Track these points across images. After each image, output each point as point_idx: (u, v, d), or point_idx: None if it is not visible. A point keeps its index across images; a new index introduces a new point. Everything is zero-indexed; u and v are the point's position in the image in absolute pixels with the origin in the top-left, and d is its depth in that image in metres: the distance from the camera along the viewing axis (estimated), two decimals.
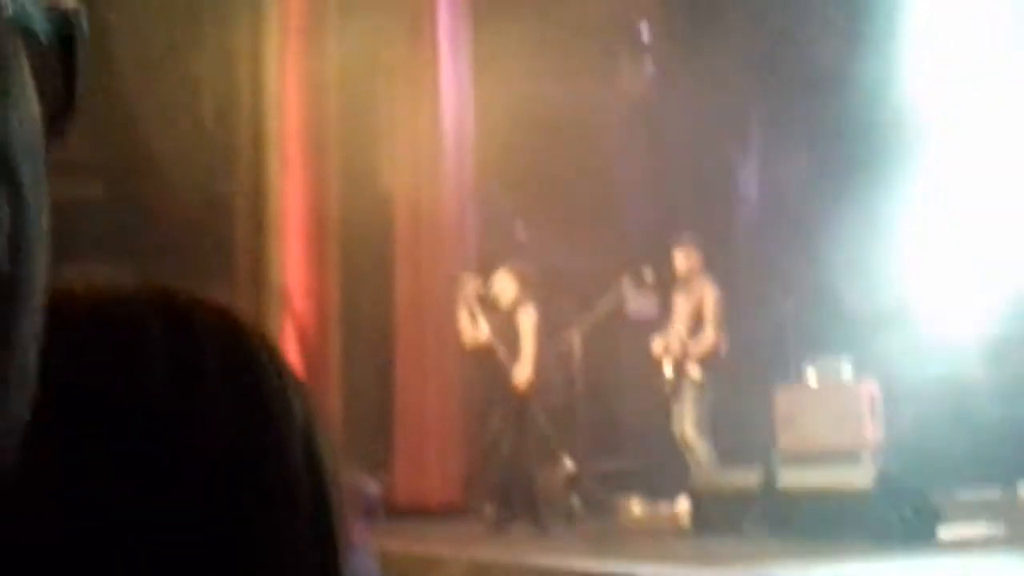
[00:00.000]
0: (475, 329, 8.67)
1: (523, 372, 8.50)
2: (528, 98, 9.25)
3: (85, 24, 0.51)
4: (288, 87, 9.85)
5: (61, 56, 0.51)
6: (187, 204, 9.87)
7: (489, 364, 8.83)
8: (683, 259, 8.77)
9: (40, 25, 0.49)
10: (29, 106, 0.46)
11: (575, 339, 9.25)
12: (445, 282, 9.73)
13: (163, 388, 0.64)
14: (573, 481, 9.11)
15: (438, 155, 10.01)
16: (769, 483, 7.89)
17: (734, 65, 10.07)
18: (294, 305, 9.87)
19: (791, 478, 7.88)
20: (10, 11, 0.46)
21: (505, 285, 8.65)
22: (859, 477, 7.62)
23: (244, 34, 9.86)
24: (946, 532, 7.27)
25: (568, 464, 9.04)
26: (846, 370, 9.60)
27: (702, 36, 10.39)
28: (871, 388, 9.45)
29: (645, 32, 11.04)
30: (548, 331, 8.96)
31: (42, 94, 0.48)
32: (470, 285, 8.68)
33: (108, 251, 9.93)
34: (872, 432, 9.25)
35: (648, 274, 9.01)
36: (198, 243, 9.91)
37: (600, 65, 10.56)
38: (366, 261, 10.05)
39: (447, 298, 9.48)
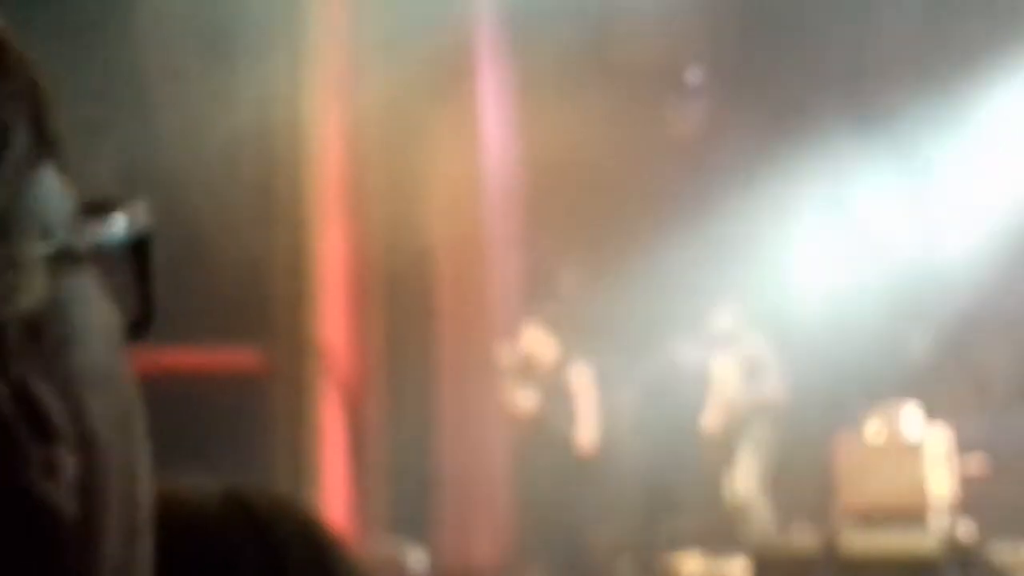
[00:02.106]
0: (521, 397, 8.41)
1: (584, 435, 8.21)
2: (573, 146, 9.00)
3: (149, 222, 0.51)
4: (327, 140, 9.69)
5: (132, 260, 0.50)
6: (226, 262, 9.71)
7: (541, 425, 8.56)
8: (726, 316, 8.49)
9: (102, 238, 0.48)
10: (97, 340, 0.46)
11: (629, 396, 8.98)
12: (489, 338, 9.47)
13: None
14: (628, 545, 8.80)
15: (480, 206, 9.78)
16: (830, 546, 7.58)
17: (787, 109, 9.82)
18: (335, 364, 9.65)
19: (854, 541, 7.56)
20: (63, 241, 0.46)
21: (540, 343, 8.39)
22: (925, 541, 7.28)
23: (282, 85, 9.72)
24: None
25: (621, 527, 8.73)
26: (913, 419, 9.21)
27: (754, 80, 10.14)
28: (941, 439, 9.05)
29: (695, 75, 10.77)
30: (599, 387, 8.68)
31: (120, 307, 0.49)
32: (508, 353, 8.42)
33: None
34: (941, 489, 8.85)
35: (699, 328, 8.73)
36: (238, 302, 9.74)
37: (648, 110, 10.30)
38: (409, 318, 9.82)
39: (491, 355, 9.21)
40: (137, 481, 0.48)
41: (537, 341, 8.47)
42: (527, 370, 8.43)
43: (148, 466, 0.49)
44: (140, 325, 0.51)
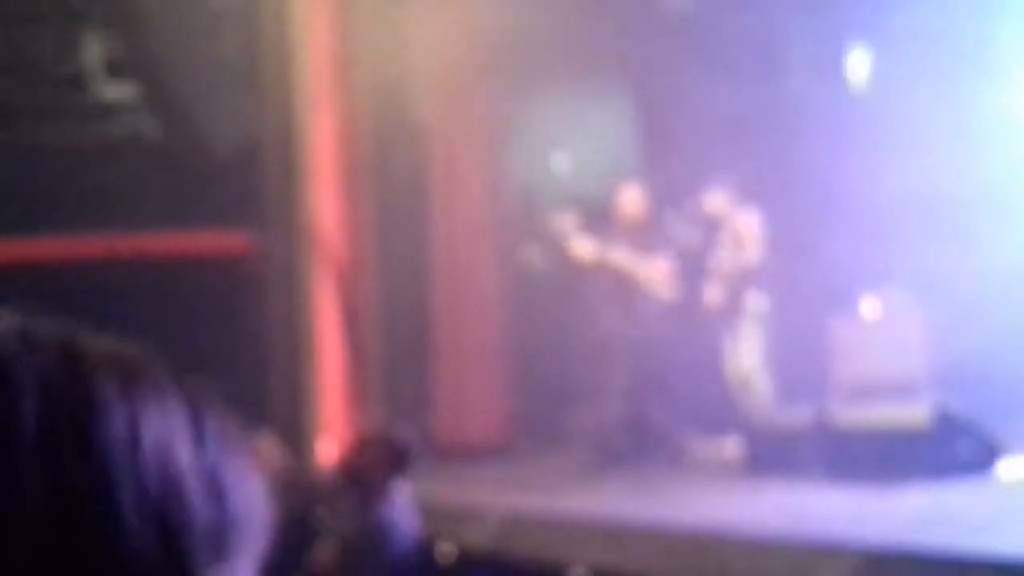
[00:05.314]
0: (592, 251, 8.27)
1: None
2: (565, 28, 8.88)
3: None
4: (315, 19, 9.53)
5: None
6: (214, 145, 9.61)
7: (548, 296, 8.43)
8: (714, 200, 8.52)
9: None
10: None
11: None
12: (483, 212, 9.45)
13: None
14: (626, 421, 8.85)
15: (471, 84, 9.66)
16: (822, 421, 7.65)
17: None
18: (327, 245, 9.62)
19: (845, 415, 7.64)
20: None
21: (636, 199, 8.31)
22: (914, 413, 7.37)
23: None
24: (1006, 467, 7.02)
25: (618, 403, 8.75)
26: (901, 299, 9.27)
27: None
28: (928, 317, 9.12)
29: None
30: None
31: None
32: (567, 219, 8.32)
33: (135, 196, 9.72)
34: (928, 363, 8.93)
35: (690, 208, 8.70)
36: (228, 185, 9.66)
37: None
38: (401, 196, 9.76)
39: (486, 228, 9.19)
40: None
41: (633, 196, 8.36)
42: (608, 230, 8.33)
43: None
44: None
